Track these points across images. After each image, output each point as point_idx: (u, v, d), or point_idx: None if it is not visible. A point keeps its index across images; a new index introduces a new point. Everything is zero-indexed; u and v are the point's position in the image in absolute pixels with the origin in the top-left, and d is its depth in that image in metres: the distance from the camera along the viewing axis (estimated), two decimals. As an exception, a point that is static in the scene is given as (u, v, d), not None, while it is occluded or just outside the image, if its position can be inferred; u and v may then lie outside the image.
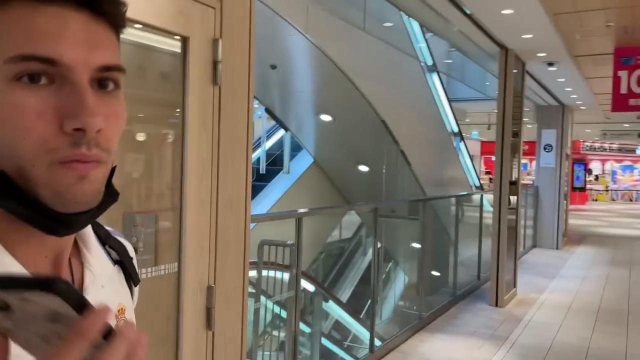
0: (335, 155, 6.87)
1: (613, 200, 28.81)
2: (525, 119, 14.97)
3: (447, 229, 6.74)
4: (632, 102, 6.08)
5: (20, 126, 0.48)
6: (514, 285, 7.10)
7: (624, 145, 25.87)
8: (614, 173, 30.02)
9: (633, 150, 26.91)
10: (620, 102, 6.17)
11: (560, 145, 11.37)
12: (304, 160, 7.27)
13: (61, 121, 0.49)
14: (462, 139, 8.74)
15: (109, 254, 0.65)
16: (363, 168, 6.73)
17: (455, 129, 8.55)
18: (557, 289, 7.50)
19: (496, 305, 6.46)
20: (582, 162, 26.58)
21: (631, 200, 28.79)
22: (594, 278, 8.35)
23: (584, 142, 24.51)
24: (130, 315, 0.66)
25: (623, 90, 6.14)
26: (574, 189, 25.77)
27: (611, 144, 25.22)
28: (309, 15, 4.79)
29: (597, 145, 25.06)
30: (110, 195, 0.55)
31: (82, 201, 0.51)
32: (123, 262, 0.66)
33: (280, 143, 8.01)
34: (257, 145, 7.73)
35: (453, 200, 7.39)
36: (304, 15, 4.71)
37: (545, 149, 11.53)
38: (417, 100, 7.06)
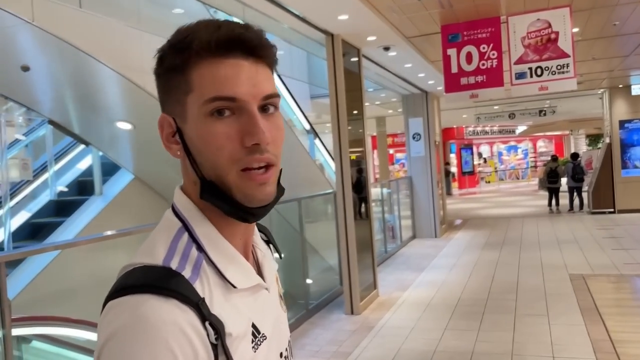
0: (158, 167, 5.99)
1: (501, 180, 30.22)
2: (389, 111, 15.10)
3: (302, 234, 6.12)
4: (463, 81, 5.77)
5: (216, 146, 0.71)
6: (375, 287, 6.62)
7: (504, 127, 27.09)
8: (500, 154, 31.49)
9: (514, 131, 28.31)
10: (452, 83, 5.84)
11: (428, 133, 11.25)
12: (123, 178, 6.37)
13: (242, 139, 0.71)
14: (317, 135, 8.19)
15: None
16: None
17: (307, 127, 7.99)
18: (422, 283, 7.14)
19: (352, 313, 5.91)
20: (469, 147, 27.62)
21: (518, 179, 30.37)
22: (463, 265, 8.13)
23: (466, 127, 25.31)
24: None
25: (454, 69, 5.82)
26: (463, 173, 26.74)
27: (492, 126, 26.30)
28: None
29: (479, 129, 26.00)
30: (280, 191, 0.77)
31: (263, 199, 0.73)
32: (270, 241, 0.93)
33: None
34: (44, 168, 6.61)
35: (308, 201, 6.78)
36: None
37: (414, 137, 11.37)
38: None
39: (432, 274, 7.71)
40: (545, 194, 15.15)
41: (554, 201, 14.55)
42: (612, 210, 13.16)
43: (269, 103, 0.73)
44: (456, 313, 5.68)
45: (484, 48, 5.70)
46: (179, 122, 0.74)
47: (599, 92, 13.92)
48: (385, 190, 10.32)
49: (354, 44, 6.30)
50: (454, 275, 7.54)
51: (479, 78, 5.70)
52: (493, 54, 5.67)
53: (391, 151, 28.41)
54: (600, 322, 5.03)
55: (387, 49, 6.76)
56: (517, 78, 5.57)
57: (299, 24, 5.38)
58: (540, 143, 32.19)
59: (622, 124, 13.19)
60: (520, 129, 27.72)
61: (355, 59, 6.38)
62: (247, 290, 0.75)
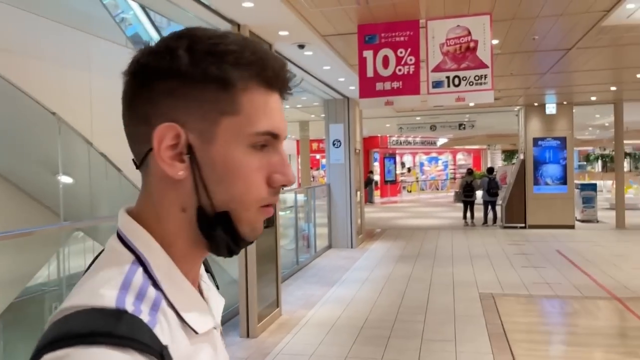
0: (21, 165, 5.12)
1: (422, 190, 30.80)
2: (312, 115, 14.71)
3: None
4: (379, 86, 5.36)
5: (247, 180, 0.65)
6: (277, 305, 6.06)
7: (426, 139, 27.57)
8: (421, 165, 32.10)
9: (435, 143, 28.91)
10: (367, 87, 5.41)
11: (348, 140, 10.89)
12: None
13: (271, 177, 0.66)
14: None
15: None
16: (66, 179, 5.11)
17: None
18: (330, 300, 6.66)
19: (247, 336, 5.31)
20: (392, 156, 27.87)
21: (437, 189, 31.06)
22: (375, 280, 7.75)
23: (390, 137, 25.48)
24: None
25: (369, 73, 5.39)
26: (386, 182, 26.91)
27: (415, 137, 26.66)
28: None
29: (402, 139, 26.27)
30: None
31: (260, 232, 0.69)
32: (208, 269, 0.81)
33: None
34: None
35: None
36: None
37: (334, 144, 10.97)
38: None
39: (343, 289, 7.26)
40: (461, 206, 15.33)
41: (469, 214, 14.71)
42: (523, 225, 13.44)
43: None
44: (361, 337, 5.23)
45: (401, 52, 5.32)
46: (193, 138, 0.63)
47: (516, 109, 14.23)
48: (301, 197, 9.81)
49: (266, 39, 5.73)
50: (364, 291, 7.13)
51: (395, 84, 5.31)
52: (411, 60, 5.31)
53: (318, 156, 28.22)
54: (507, 350, 4.76)
55: (302, 46, 6.24)
56: (434, 87, 5.23)
57: (204, 11, 4.75)
58: (459, 156, 33.14)
59: (535, 141, 13.52)
60: (442, 141, 28.33)
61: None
62: (205, 334, 0.67)
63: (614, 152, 14.15)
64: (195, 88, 0.62)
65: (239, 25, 5.17)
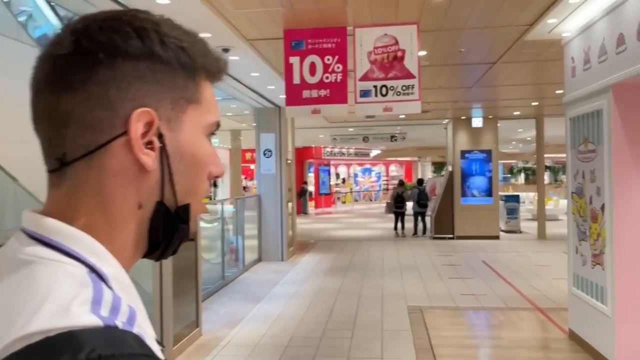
0: None
1: (356, 201, 31.04)
2: (243, 124, 14.40)
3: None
4: (305, 94, 5.16)
5: (205, 172, 0.63)
6: (197, 325, 5.67)
7: (359, 150, 27.83)
8: (355, 176, 32.39)
9: (368, 154, 29.26)
10: (293, 95, 5.20)
11: (280, 150, 10.64)
12: None
13: (209, 168, 0.64)
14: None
15: None
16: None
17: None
18: (256, 318, 6.34)
19: None
20: (326, 167, 27.90)
21: (371, 200, 31.42)
22: (304, 294, 7.51)
23: (324, 147, 25.49)
24: None
25: (296, 79, 5.18)
26: (320, 193, 26.87)
27: (348, 148, 26.84)
28: None
29: (336, 150, 26.36)
30: None
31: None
32: None
33: None
34: None
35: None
36: None
37: (265, 154, 10.69)
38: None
39: (269, 305, 6.96)
40: (393, 217, 15.44)
41: (399, 225, 14.83)
42: (451, 236, 13.68)
43: None
44: (285, 357, 4.96)
45: (328, 60, 5.15)
46: (163, 127, 0.58)
47: (444, 122, 14.55)
48: (229, 209, 9.43)
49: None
50: (292, 306, 6.86)
51: (323, 92, 5.13)
52: (338, 67, 5.15)
53: (252, 166, 27.80)
54: (434, 366, 4.65)
55: (226, 50, 5.94)
56: (361, 96, 5.09)
57: (115, 7, 4.35)
58: (392, 167, 33.75)
59: (463, 153, 13.86)
60: (375, 152, 28.70)
61: (188, 58, 5.47)
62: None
63: (535, 165, 14.78)
64: (166, 73, 0.58)
65: (155, 25, 4.82)
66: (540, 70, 7.73)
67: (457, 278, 8.60)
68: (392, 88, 5.02)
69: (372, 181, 33.07)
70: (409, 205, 15.08)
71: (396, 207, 14.95)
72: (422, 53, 5.71)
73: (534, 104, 11.51)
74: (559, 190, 26.31)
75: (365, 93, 5.06)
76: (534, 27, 5.19)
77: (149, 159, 0.57)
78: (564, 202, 20.95)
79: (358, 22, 5.12)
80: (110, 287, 0.53)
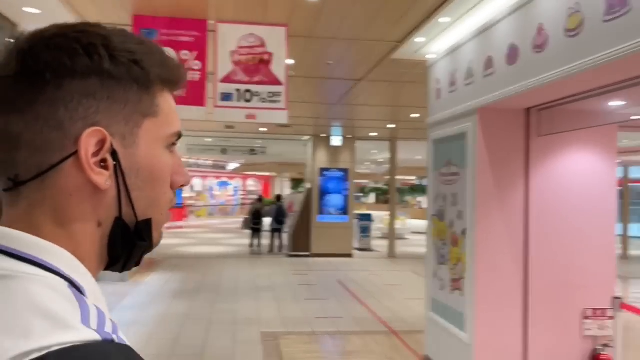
0: None
1: (211, 215, 29.89)
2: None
3: None
4: (156, 92, 4.42)
5: (165, 182, 0.63)
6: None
7: (217, 162, 26.92)
8: (211, 189, 31.25)
9: (225, 167, 28.43)
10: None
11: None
12: None
13: (172, 179, 0.64)
14: None
15: None
16: None
17: None
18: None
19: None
20: (181, 178, 26.43)
21: (227, 215, 30.50)
22: (145, 322, 6.60)
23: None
24: None
25: (145, 74, 4.43)
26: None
27: (205, 160, 25.80)
28: None
29: (192, 161, 25.16)
30: None
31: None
32: None
33: None
34: None
35: None
36: None
37: (108, 160, 9.49)
38: None
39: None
40: (248, 232, 14.92)
41: (256, 241, 14.34)
42: (307, 253, 13.52)
43: None
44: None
45: (185, 55, 4.51)
46: (117, 144, 0.58)
47: (305, 138, 14.47)
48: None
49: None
50: (130, 338, 5.74)
51: (177, 92, 4.44)
52: (196, 65, 4.52)
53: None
54: (289, 405, 4.17)
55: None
56: (222, 99, 4.52)
57: None
58: (250, 182, 33.25)
59: (322, 171, 13.85)
60: (233, 165, 27.97)
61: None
62: None
63: (386, 186, 15.37)
64: (118, 89, 0.58)
65: (-40, -13, 3.78)
66: (400, 91, 7.84)
67: (313, 299, 8.31)
68: (257, 94, 4.52)
69: (229, 195, 32.20)
70: (267, 221, 14.68)
71: (254, 223, 14.45)
72: (290, 62, 5.32)
73: (390, 126, 11.86)
74: (406, 210, 28.00)
75: (226, 96, 4.49)
76: (403, 44, 5.09)
77: (102, 178, 0.57)
78: (411, 222, 22.26)
79: (221, 17, 4.57)
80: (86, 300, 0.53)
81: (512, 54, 3.63)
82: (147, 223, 0.61)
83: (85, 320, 0.48)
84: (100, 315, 0.51)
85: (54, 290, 0.50)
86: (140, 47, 0.59)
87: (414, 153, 17.90)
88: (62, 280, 0.52)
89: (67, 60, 0.54)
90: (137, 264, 0.64)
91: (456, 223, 4.51)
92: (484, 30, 4.06)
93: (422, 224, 23.41)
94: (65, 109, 0.55)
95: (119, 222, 0.59)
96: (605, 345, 4.09)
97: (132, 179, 0.59)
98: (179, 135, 0.64)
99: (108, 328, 0.50)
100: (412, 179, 34.33)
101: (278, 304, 7.91)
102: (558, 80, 3.13)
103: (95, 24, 0.59)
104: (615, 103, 3.72)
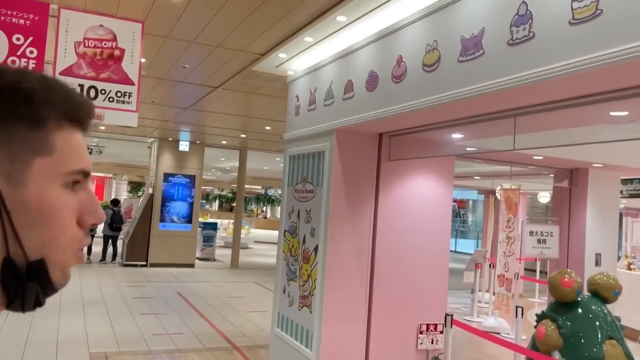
0: None
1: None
2: None
3: None
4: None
5: (62, 222, 0.61)
6: None
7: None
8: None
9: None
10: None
11: None
12: None
13: (82, 217, 0.64)
14: None
15: None
16: None
17: None
18: None
19: None
20: None
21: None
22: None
23: None
24: None
25: (-37, 55, 3.73)
26: None
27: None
28: None
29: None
30: None
31: (69, 279, 0.66)
32: None
33: None
34: None
35: None
36: None
37: None
38: None
39: None
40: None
41: (85, 249, 13.06)
42: (144, 263, 12.71)
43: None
44: None
45: (19, 40, 3.90)
46: (2, 183, 0.58)
47: (149, 140, 13.66)
48: None
49: None
50: None
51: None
52: (31, 52, 3.94)
53: None
54: None
55: None
56: (61, 94, 3.99)
57: None
58: (82, 182, 30.43)
59: (166, 176, 13.18)
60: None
61: None
62: None
63: (232, 193, 15.11)
64: (2, 129, 0.59)
65: None
66: (256, 103, 7.78)
67: (150, 314, 7.79)
68: (103, 91, 4.08)
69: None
70: (100, 227, 13.48)
71: (84, 229, 13.15)
72: (142, 60, 4.93)
73: (242, 135, 11.74)
74: (250, 219, 27.96)
75: (66, 91, 3.99)
76: (264, 58, 5.03)
77: None
78: (254, 231, 22.28)
79: (68, 4, 4.06)
80: None
81: (372, 80, 3.78)
82: (40, 263, 0.60)
83: None
84: None
85: None
86: (37, 85, 0.60)
87: (262, 163, 17.99)
88: None
89: None
90: (38, 304, 0.63)
91: (308, 240, 4.55)
92: (346, 54, 4.18)
93: (265, 233, 23.64)
94: None
95: (6, 261, 0.59)
96: (436, 358, 4.43)
97: (21, 218, 0.59)
98: (85, 173, 0.64)
99: None
100: (258, 188, 34.50)
101: (110, 319, 7.25)
102: (413, 111, 3.32)
103: (34, 75, 0.62)
104: (456, 135, 4.08)
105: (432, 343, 4.46)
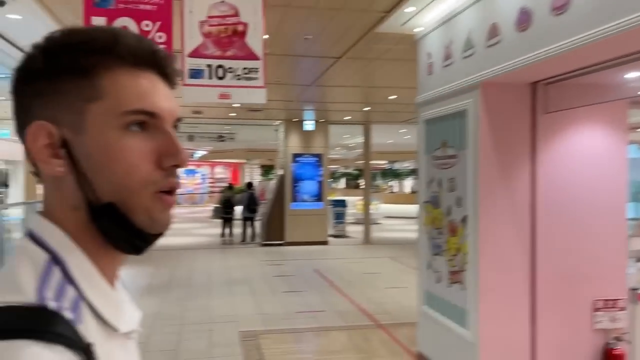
0: None
1: (179, 204, 29.06)
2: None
3: None
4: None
5: (129, 164, 0.62)
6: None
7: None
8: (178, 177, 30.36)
9: (192, 155, 27.58)
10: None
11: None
12: None
13: (159, 159, 0.64)
14: None
15: None
16: None
17: None
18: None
19: None
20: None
21: (195, 204, 29.70)
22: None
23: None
24: None
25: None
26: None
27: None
28: None
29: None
30: None
31: (167, 225, 0.67)
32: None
33: None
34: None
35: None
36: None
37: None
38: None
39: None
40: (219, 222, 14.34)
41: (227, 231, 13.79)
42: (281, 242, 13.07)
43: (177, 125, 0.68)
44: None
45: (147, 26, 3.93)
46: (67, 132, 0.62)
47: (276, 123, 13.92)
48: (14, 217, 7.46)
49: None
50: None
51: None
52: (160, 37, 3.96)
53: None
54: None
55: (2, 4, 4.32)
56: (191, 76, 3.98)
57: None
58: (218, 169, 32.44)
59: (294, 157, 13.35)
60: (200, 153, 27.16)
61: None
62: (123, 335, 0.67)
63: (357, 171, 14.93)
64: (55, 82, 0.62)
65: None
66: (379, 71, 7.39)
67: (291, 292, 7.88)
68: (230, 70, 3.99)
69: (197, 183, 31.36)
70: (238, 209, 14.13)
71: (225, 212, 13.88)
72: (265, 37, 4.80)
73: (365, 109, 11.43)
74: (378, 194, 27.78)
75: (196, 73, 3.95)
76: (390, 15, 4.62)
77: (49, 166, 0.62)
78: (382, 207, 22.03)
79: (188, -18, 4.01)
80: (67, 275, 0.60)
81: (524, 19, 3.21)
82: (110, 207, 0.62)
83: (41, 289, 0.56)
84: (60, 288, 0.58)
85: (30, 262, 0.59)
86: (81, 36, 0.63)
87: (386, 137, 17.57)
88: (45, 255, 0.60)
89: (18, 70, 0.64)
90: (142, 247, 0.66)
91: (454, 210, 4.12)
92: (487, -5, 3.63)
93: (394, 208, 23.29)
94: (24, 112, 0.64)
95: (90, 206, 0.62)
96: (618, 339, 3.79)
97: (87, 164, 0.62)
98: (148, 114, 0.63)
99: (66, 301, 0.57)
100: (383, 163, 34.12)
101: (255, 298, 7.45)
102: (581, 47, 2.74)
103: (61, 30, 0.64)
104: (632, 75, 3.36)
105: (611, 322, 3.82)
